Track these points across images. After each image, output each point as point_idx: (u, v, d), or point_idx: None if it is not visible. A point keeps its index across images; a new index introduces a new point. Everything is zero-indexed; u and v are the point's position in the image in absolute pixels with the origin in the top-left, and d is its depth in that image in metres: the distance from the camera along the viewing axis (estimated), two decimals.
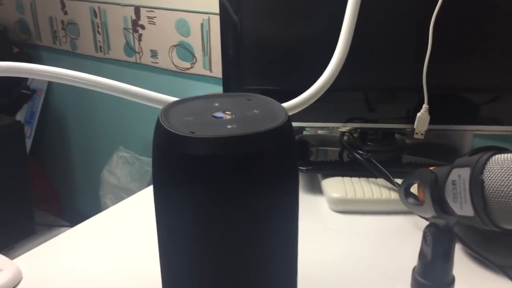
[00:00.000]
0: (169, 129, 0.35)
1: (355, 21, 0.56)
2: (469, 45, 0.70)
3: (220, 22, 0.72)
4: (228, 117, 0.37)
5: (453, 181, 0.37)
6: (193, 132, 0.34)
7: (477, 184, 0.34)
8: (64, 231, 0.66)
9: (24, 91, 1.43)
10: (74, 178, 1.67)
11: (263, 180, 0.35)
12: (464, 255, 0.58)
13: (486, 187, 0.34)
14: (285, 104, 0.52)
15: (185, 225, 0.35)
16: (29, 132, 1.52)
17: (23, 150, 1.36)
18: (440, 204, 0.39)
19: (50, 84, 1.55)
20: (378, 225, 0.67)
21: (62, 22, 1.42)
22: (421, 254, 0.44)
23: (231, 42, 0.74)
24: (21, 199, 1.37)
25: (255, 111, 0.38)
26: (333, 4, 0.63)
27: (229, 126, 0.35)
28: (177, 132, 0.34)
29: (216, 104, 0.40)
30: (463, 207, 0.36)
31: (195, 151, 0.34)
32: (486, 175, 0.34)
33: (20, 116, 1.50)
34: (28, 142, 1.51)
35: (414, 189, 0.45)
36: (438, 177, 0.39)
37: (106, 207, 1.46)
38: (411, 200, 0.44)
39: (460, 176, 0.36)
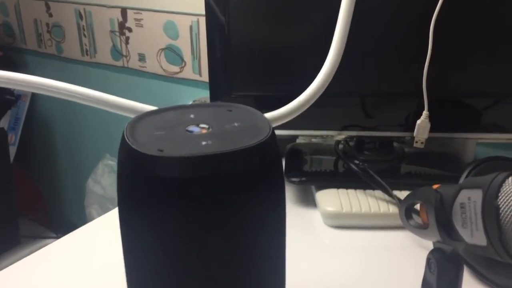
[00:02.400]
0: (133, 147, 0.30)
1: (349, 22, 0.52)
2: (471, 48, 0.66)
3: (206, 23, 0.68)
4: (204, 131, 0.32)
5: (462, 204, 0.33)
6: (161, 150, 0.29)
7: (491, 210, 0.29)
8: (49, 243, 0.62)
9: (8, 96, 1.38)
10: (61, 186, 1.62)
11: (243, 206, 0.30)
12: (470, 277, 0.54)
13: (502, 214, 0.29)
14: (270, 114, 0.47)
15: (152, 257, 0.31)
16: (14, 139, 1.47)
17: (6, 158, 1.31)
18: (447, 229, 0.34)
19: None
20: (376, 241, 0.63)
21: (47, 24, 1.38)
22: (425, 283, 0.39)
23: (218, 45, 0.69)
24: (4, 209, 1.32)
25: (235, 124, 0.33)
26: (327, 4, 0.59)
27: (203, 143, 0.31)
28: (142, 151, 0.29)
29: (192, 116, 0.35)
30: (473, 235, 0.32)
31: (163, 173, 0.29)
32: (501, 199, 0.29)
33: (4, 123, 1.45)
34: (13, 150, 1.46)
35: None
36: (444, 198, 0.35)
37: (91, 217, 1.42)
38: (413, 222, 0.40)
39: (470, 198, 0.32)
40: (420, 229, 0.38)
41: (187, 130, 0.33)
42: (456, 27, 0.64)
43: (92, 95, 0.42)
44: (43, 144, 1.59)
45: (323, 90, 0.48)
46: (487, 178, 0.30)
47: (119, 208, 0.32)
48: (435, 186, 0.37)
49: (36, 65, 1.48)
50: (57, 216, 1.67)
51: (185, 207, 0.29)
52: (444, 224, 0.34)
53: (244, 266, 0.32)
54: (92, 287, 0.55)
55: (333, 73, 0.47)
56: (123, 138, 0.31)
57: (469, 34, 0.65)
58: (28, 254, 0.60)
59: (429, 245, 0.58)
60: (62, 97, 0.43)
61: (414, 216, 0.41)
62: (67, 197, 1.63)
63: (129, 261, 0.33)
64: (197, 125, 0.33)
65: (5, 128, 1.42)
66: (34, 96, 1.50)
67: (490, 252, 0.30)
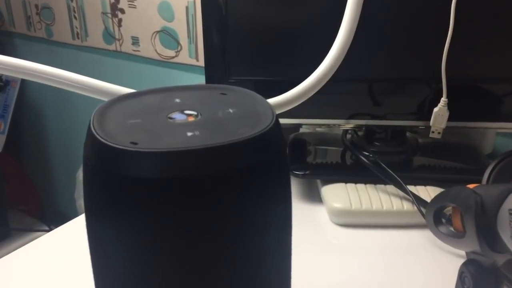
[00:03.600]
0: (100, 139, 0.24)
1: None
2: (493, 30, 0.60)
3: (202, 2, 0.61)
4: (191, 119, 0.26)
5: (511, 210, 0.26)
6: (135, 143, 0.23)
7: None
8: (41, 235, 0.59)
9: None
10: (53, 176, 1.56)
11: (239, 213, 0.24)
12: None
13: None
14: (273, 100, 0.41)
15: (123, 279, 0.24)
16: (3, 127, 1.40)
17: None
18: (489, 239, 0.28)
19: None
20: (388, 241, 0.57)
21: (36, 6, 1.31)
22: None
23: (214, 26, 0.63)
24: None
25: (230, 110, 0.27)
26: None
27: (189, 134, 0.24)
28: (111, 143, 0.23)
29: (177, 100, 0.28)
30: None
31: (136, 172, 0.22)
32: None
33: None
34: (2, 138, 1.39)
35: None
36: (486, 201, 0.28)
37: (82, 210, 1.36)
38: (444, 229, 0.33)
39: None
40: (454, 237, 0.32)
41: (170, 118, 0.26)
42: (478, 6, 0.58)
43: (61, 76, 0.36)
44: (34, 132, 1.53)
45: (333, 71, 0.41)
46: None
47: (85, 214, 0.26)
48: (471, 186, 0.30)
49: (25, 50, 1.41)
50: (48, 207, 1.61)
51: (164, 217, 0.23)
52: (486, 233, 0.28)
53: (239, 282, 0.26)
54: (83, 280, 0.50)
55: (343, 56, 0.41)
56: (89, 129, 0.25)
57: (491, 15, 0.59)
58: (19, 247, 0.56)
59: (448, 246, 0.53)
60: (20, 76, 0.37)
61: (444, 223, 0.34)
62: (59, 188, 1.57)
63: (97, 279, 0.27)
64: (182, 112, 0.27)
65: None
66: (24, 82, 1.44)
67: None
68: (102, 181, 0.24)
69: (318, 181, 0.66)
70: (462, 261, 0.44)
